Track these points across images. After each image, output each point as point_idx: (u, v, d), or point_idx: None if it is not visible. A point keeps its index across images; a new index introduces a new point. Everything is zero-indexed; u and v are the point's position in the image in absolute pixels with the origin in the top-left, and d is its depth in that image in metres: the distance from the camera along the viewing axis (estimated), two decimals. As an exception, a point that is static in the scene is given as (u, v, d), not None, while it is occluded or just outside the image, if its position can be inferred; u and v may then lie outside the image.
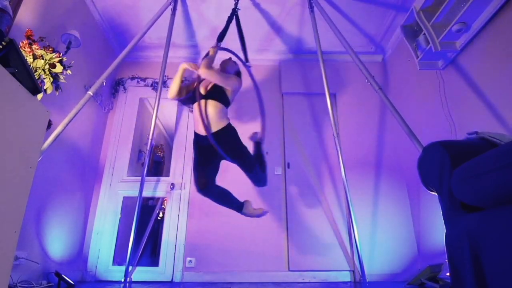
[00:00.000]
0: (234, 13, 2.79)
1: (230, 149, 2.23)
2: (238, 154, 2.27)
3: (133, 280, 2.89)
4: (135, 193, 3.01)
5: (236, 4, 2.83)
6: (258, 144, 2.56)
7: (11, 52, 1.23)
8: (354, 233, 2.80)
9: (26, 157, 1.26)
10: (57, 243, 2.60)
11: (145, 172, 2.90)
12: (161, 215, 3.75)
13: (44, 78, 2.00)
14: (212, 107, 2.27)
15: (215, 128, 2.23)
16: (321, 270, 2.95)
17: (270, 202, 3.18)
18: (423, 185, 1.33)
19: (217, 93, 2.32)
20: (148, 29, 2.73)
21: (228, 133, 2.27)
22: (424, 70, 2.76)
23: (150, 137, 2.89)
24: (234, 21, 2.79)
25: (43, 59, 1.99)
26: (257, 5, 3.19)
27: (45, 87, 2.01)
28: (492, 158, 0.94)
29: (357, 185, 3.15)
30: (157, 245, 3.43)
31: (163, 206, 3.75)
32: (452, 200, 1.11)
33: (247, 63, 2.78)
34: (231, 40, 2.82)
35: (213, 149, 2.22)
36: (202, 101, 2.27)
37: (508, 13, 2.03)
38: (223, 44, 2.66)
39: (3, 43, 1.21)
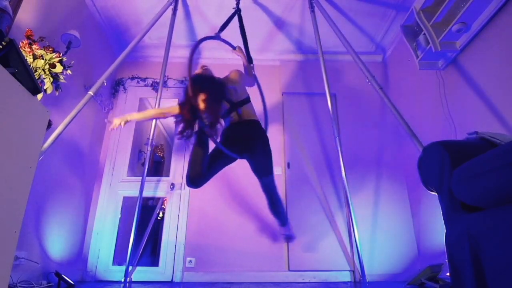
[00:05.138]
0: (236, 12, 2.79)
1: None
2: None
3: (133, 280, 2.89)
4: (135, 193, 3.01)
5: (237, 3, 2.83)
6: None
7: (11, 52, 1.22)
8: (354, 233, 2.80)
9: (26, 157, 1.26)
10: (57, 243, 2.59)
11: (145, 172, 2.90)
12: (161, 215, 3.75)
13: (44, 78, 2.00)
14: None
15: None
16: (321, 270, 2.95)
17: (270, 202, 3.18)
18: (423, 185, 1.33)
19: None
20: (149, 29, 2.72)
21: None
22: (424, 70, 2.76)
23: (151, 137, 2.89)
24: (237, 22, 2.78)
25: (43, 59, 1.98)
26: (258, 5, 3.19)
27: (45, 87, 2.00)
28: (492, 158, 0.94)
29: (357, 185, 3.15)
30: (157, 245, 3.43)
31: (163, 206, 3.75)
32: (452, 200, 1.11)
33: (251, 64, 2.71)
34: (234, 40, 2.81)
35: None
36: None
37: (508, 13, 2.03)
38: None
39: (3, 43, 1.21)
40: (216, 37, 2.60)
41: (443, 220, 1.19)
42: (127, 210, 3.32)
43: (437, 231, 2.70)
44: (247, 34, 2.82)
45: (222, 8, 3.15)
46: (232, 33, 2.76)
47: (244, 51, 2.47)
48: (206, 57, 3.80)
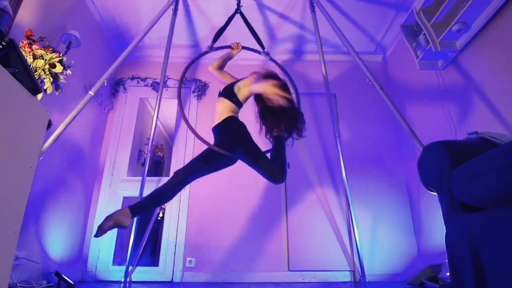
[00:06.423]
0: (236, 13, 2.79)
1: (223, 141, 2.03)
2: (231, 146, 2.01)
3: (133, 280, 2.89)
4: (135, 193, 3.01)
5: (238, 3, 2.83)
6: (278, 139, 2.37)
7: (11, 52, 1.23)
8: (354, 233, 2.80)
9: (26, 157, 1.26)
10: (57, 243, 2.59)
11: (145, 172, 2.90)
12: (161, 215, 3.75)
13: (44, 78, 2.00)
14: (220, 103, 2.17)
15: (216, 121, 2.10)
16: (321, 270, 2.95)
17: (270, 202, 3.18)
18: (423, 185, 1.33)
19: (227, 91, 2.21)
20: (150, 29, 2.72)
21: (226, 125, 2.08)
22: (424, 70, 2.76)
23: (152, 137, 2.89)
24: (239, 21, 2.79)
25: (43, 59, 1.98)
26: (258, 5, 3.19)
27: (45, 87, 2.00)
28: (492, 158, 0.94)
29: (357, 185, 3.14)
30: (157, 245, 3.43)
31: (163, 206, 3.74)
32: (452, 200, 1.11)
33: (265, 51, 2.81)
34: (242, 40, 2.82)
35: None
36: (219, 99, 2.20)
37: (508, 13, 2.03)
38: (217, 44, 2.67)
39: (3, 43, 1.21)
40: (211, 49, 2.63)
41: (443, 220, 1.19)
42: (127, 210, 3.31)
43: (437, 231, 2.70)
44: (248, 33, 2.82)
45: (223, 7, 3.15)
46: (230, 33, 2.77)
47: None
48: (208, 57, 3.79)
